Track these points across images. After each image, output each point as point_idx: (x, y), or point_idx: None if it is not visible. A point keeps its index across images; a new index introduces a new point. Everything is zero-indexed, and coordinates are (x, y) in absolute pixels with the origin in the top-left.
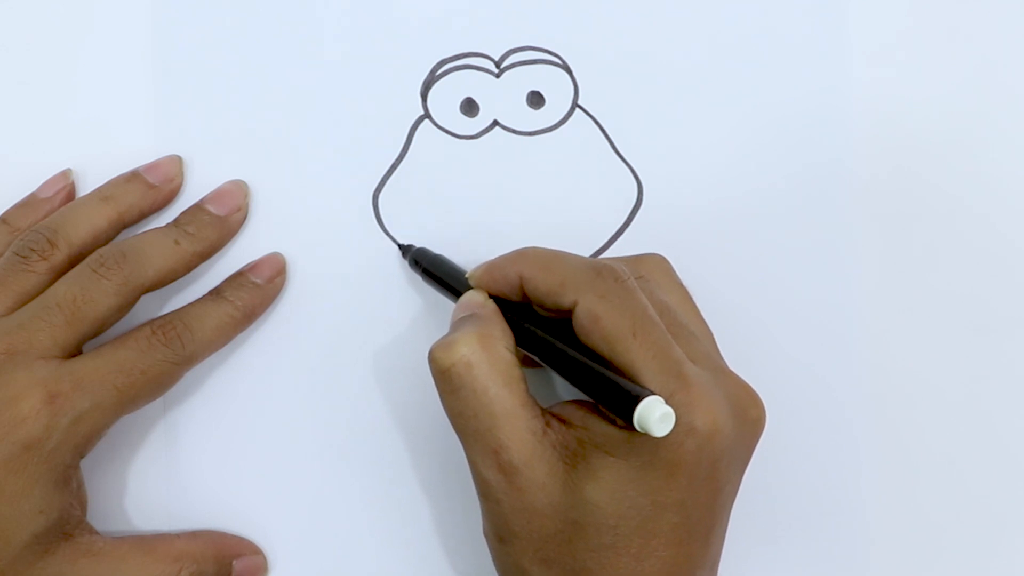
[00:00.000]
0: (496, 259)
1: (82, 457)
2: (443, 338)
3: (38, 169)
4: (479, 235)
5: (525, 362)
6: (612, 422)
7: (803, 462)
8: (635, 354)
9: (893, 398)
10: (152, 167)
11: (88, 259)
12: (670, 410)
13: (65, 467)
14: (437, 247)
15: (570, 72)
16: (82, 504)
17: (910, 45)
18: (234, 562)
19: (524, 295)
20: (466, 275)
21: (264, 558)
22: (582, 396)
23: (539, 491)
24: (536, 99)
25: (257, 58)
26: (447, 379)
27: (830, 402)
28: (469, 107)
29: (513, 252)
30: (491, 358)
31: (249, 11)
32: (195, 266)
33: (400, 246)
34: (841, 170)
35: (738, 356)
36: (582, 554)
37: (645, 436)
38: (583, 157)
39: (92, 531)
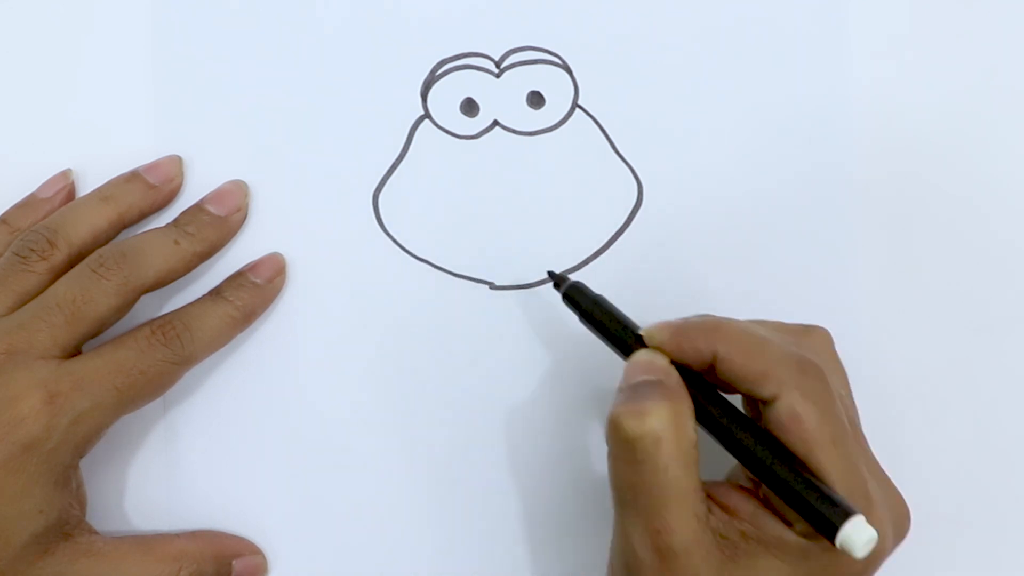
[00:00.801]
0: (684, 324)
1: (82, 457)
2: (632, 403)
3: (38, 169)
4: (479, 235)
5: None
6: (786, 523)
7: None
8: (831, 465)
9: (893, 398)
10: (152, 167)
11: (88, 259)
12: (875, 534)
13: (65, 467)
14: (437, 246)
15: (570, 72)
16: (82, 504)
17: (911, 45)
18: (234, 562)
19: (705, 368)
20: (641, 331)
21: (264, 558)
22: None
23: None
24: (536, 99)
25: (257, 58)
26: (630, 450)
27: None
28: (469, 107)
29: (707, 322)
30: (679, 437)
31: (249, 11)
32: (195, 266)
33: (551, 275)
34: (841, 170)
35: None
36: None
37: (822, 549)
38: (583, 157)
39: (92, 531)
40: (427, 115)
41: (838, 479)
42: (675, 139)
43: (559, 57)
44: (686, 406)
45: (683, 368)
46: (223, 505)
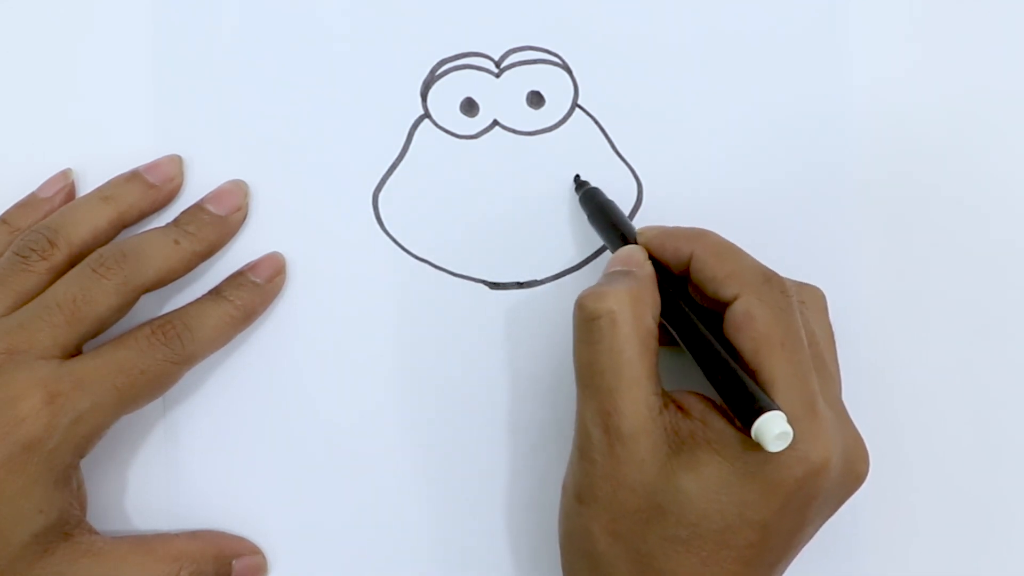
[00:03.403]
0: (673, 227)
1: (82, 457)
2: (595, 287)
3: (38, 169)
4: (479, 235)
5: (660, 339)
6: (731, 422)
7: None
8: (777, 366)
9: (893, 398)
10: (152, 167)
11: (88, 259)
12: (790, 431)
13: (65, 467)
14: (437, 246)
15: (570, 72)
16: (82, 504)
17: (911, 46)
18: (234, 562)
19: (685, 273)
20: (637, 229)
21: (264, 558)
22: (702, 390)
23: (635, 465)
24: (536, 99)
25: (257, 58)
26: (589, 329)
27: None
28: (469, 107)
29: (693, 228)
30: (636, 321)
31: (249, 11)
32: (195, 266)
33: (577, 179)
34: (841, 171)
35: None
36: (653, 539)
37: (759, 448)
38: (583, 157)
39: (92, 531)
40: (427, 115)
41: (782, 381)
42: (675, 139)
43: (559, 57)
44: (648, 295)
45: (663, 270)
46: (223, 505)
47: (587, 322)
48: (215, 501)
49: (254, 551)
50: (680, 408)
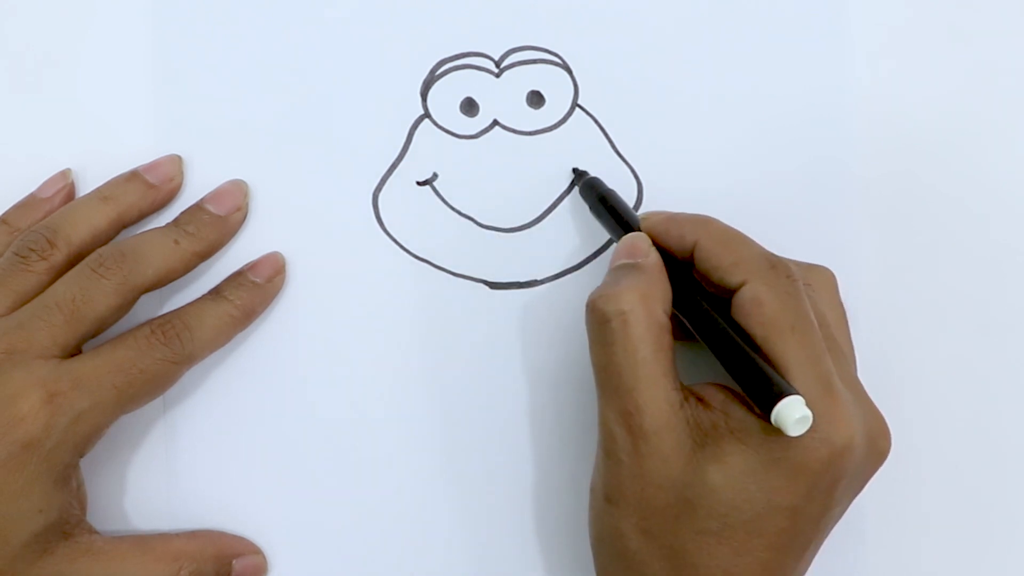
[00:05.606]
0: (677, 213)
1: (81, 456)
2: (605, 287)
3: (38, 169)
4: (479, 235)
5: (673, 332)
6: (751, 410)
7: None
8: (789, 351)
9: (893, 398)
10: (152, 167)
11: (87, 259)
12: (809, 414)
13: (64, 466)
14: (437, 246)
15: (570, 72)
16: (81, 503)
17: (911, 45)
18: (234, 562)
19: (688, 259)
20: (640, 215)
21: (264, 558)
22: (721, 380)
23: (661, 462)
24: (536, 99)
25: (257, 58)
26: (601, 331)
27: None
28: (469, 107)
29: (696, 216)
30: (648, 319)
31: (249, 11)
32: (195, 266)
33: (575, 170)
34: (841, 170)
35: None
36: (684, 534)
37: (781, 433)
38: (583, 157)
39: (91, 530)
40: (427, 115)
41: (796, 365)
42: (675, 139)
43: (559, 57)
44: (658, 288)
45: (669, 257)
46: (223, 505)
47: (599, 325)
48: (215, 501)
49: (254, 551)
50: (700, 400)
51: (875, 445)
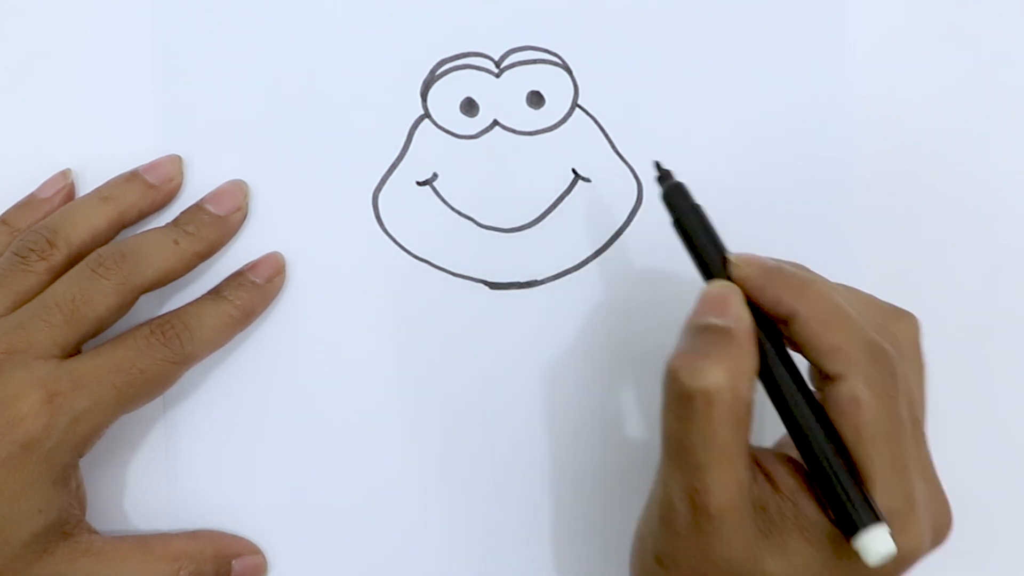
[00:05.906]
0: (776, 268)
1: (81, 456)
2: (689, 353)
3: (38, 169)
4: (479, 235)
5: None
6: (824, 509)
7: None
8: (878, 461)
9: None
10: (152, 167)
11: (87, 259)
12: (894, 550)
13: (64, 466)
14: (437, 246)
15: (570, 72)
16: (81, 503)
17: (910, 44)
18: (233, 562)
19: (781, 320)
20: (730, 256)
21: (264, 558)
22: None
23: (721, 542)
24: (536, 99)
25: (257, 58)
26: (681, 406)
27: None
28: (469, 107)
29: (798, 276)
30: (734, 400)
31: (249, 11)
32: (195, 266)
33: (657, 166)
34: (841, 170)
35: None
36: None
37: (851, 546)
38: (583, 157)
39: (91, 530)
40: (427, 115)
41: (881, 476)
42: (675, 139)
43: (559, 57)
44: (748, 364)
45: (758, 312)
46: (223, 505)
47: (680, 399)
48: (215, 501)
49: (254, 551)
50: (769, 479)
51: (939, 536)
